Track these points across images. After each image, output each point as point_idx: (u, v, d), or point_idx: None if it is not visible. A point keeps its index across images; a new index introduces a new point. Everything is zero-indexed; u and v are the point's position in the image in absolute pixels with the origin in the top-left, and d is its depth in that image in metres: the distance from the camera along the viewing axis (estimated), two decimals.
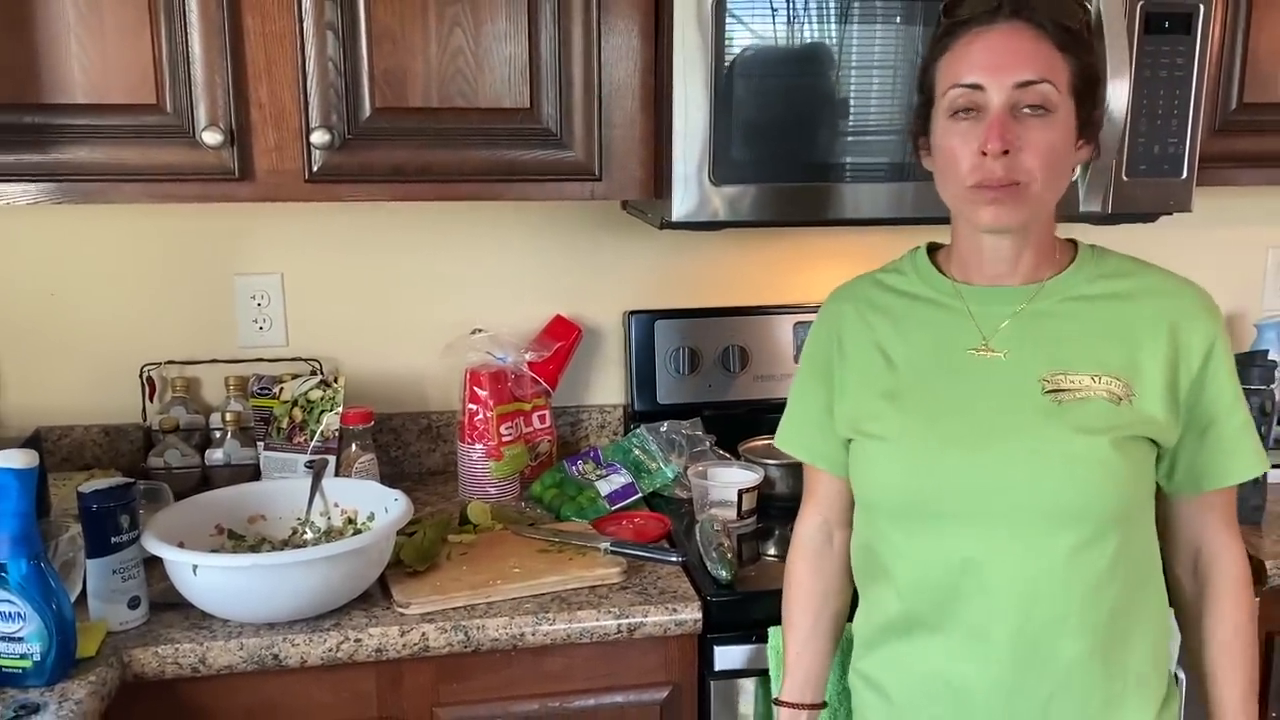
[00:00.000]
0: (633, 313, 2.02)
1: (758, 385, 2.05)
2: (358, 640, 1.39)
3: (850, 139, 1.63)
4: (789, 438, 1.39)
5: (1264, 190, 2.16)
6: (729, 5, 1.55)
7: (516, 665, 1.47)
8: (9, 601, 1.24)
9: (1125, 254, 1.26)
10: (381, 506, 1.56)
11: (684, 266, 2.07)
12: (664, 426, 1.91)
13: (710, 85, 1.57)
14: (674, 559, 1.59)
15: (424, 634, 1.41)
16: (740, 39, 1.57)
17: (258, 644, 1.37)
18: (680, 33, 1.55)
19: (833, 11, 1.58)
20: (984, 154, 1.12)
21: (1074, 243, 1.27)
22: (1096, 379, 1.16)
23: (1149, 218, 1.76)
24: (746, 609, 1.50)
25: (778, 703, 1.38)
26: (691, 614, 1.47)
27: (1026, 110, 1.12)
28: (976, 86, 1.13)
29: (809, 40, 1.60)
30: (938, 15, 1.19)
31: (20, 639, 1.25)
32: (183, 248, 1.93)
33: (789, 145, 1.61)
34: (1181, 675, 1.44)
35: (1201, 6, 1.66)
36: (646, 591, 1.51)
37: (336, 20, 1.56)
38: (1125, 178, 1.69)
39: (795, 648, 1.37)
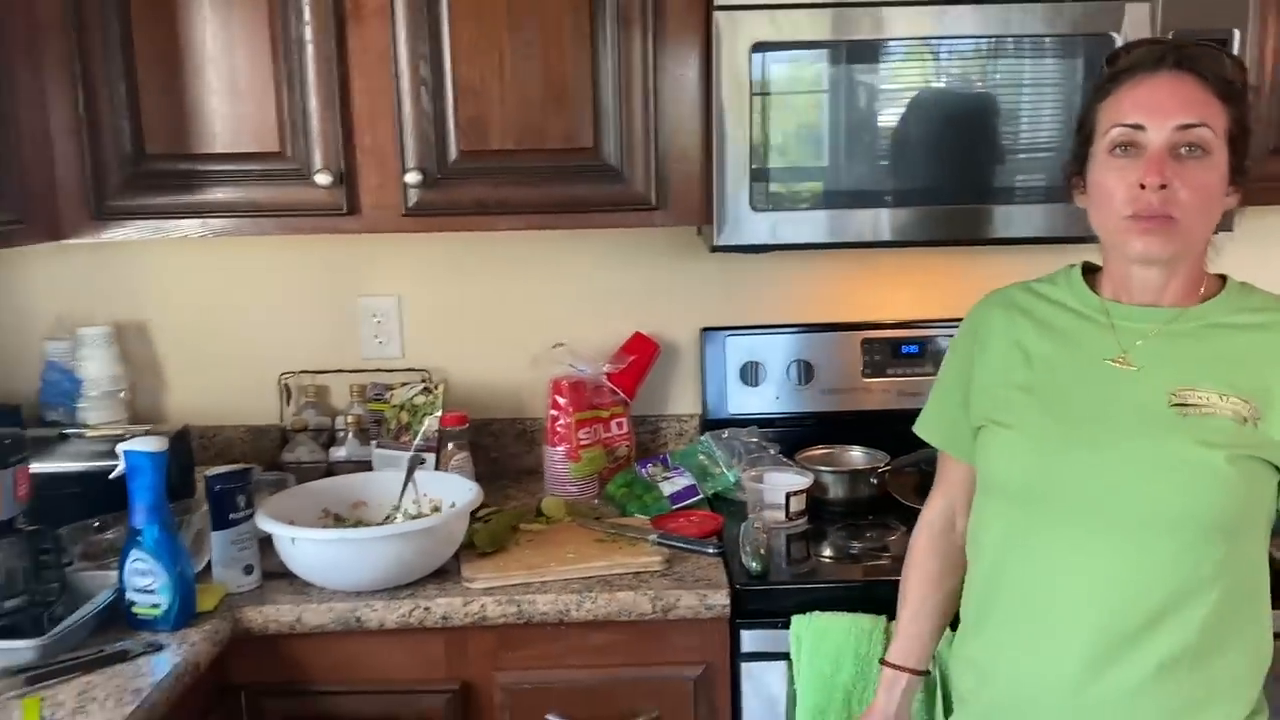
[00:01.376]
0: (706, 329, 2.20)
1: (824, 398, 2.18)
2: (426, 608, 1.62)
3: (880, 168, 1.77)
4: (926, 426, 1.49)
5: None
6: (766, 51, 1.72)
7: (566, 638, 1.66)
8: (143, 560, 1.53)
9: (1273, 293, 1.33)
10: (461, 497, 1.79)
11: (755, 287, 2.23)
12: (726, 434, 2.07)
13: (748, 123, 1.74)
14: (710, 551, 1.76)
15: (483, 605, 1.63)
16: (776, 79, 1.73)
17: (344, 608, 1.62)
18: (722, 77, 1.73)
19: (858, 53, 1.73)
20: (1142, 187, 1.21)
21: (1224, 278, 1.34)
22: (1224, 398, 1.21)
23: None
24: (773, 599, 1.65)
25: (884, 663, 1.48)
26: (720, 600, 1.63)
27: (1184, 151, 1.22)
28: (1138, 126, 1.23)
29: (839, 81, 1.74)
30: (1101, 63, 1.31)
31: (152, 591, 1.54)
32: (316, 274, 2.23)
33: (821, 175, 1.76)
34: None
35: (1237, 31, 1.71)
36: (684, 579, 1.68)
37: (428, 78, 1.81)
38: None
39: (907, 616, 1.47)
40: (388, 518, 1.84)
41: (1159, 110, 1.21)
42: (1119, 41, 1.70)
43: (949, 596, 1.46)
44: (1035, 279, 1.42)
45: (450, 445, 2.05)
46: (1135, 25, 1.70)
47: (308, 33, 1.79)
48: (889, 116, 1.77)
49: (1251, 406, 1.20)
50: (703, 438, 2.09)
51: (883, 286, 2.20)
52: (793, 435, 2.12)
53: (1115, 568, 1.22)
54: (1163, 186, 1.20)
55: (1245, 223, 1.78)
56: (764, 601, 1.65)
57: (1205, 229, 1.26)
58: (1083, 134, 1.30)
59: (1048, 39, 1.71)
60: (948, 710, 1.48)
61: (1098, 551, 1.23)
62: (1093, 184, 1.28)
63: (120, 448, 1.53)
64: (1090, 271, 1.38)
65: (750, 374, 2.18)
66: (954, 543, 1.46)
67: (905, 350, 2.16)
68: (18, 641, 1.43)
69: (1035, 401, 1.30)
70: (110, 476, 1.57)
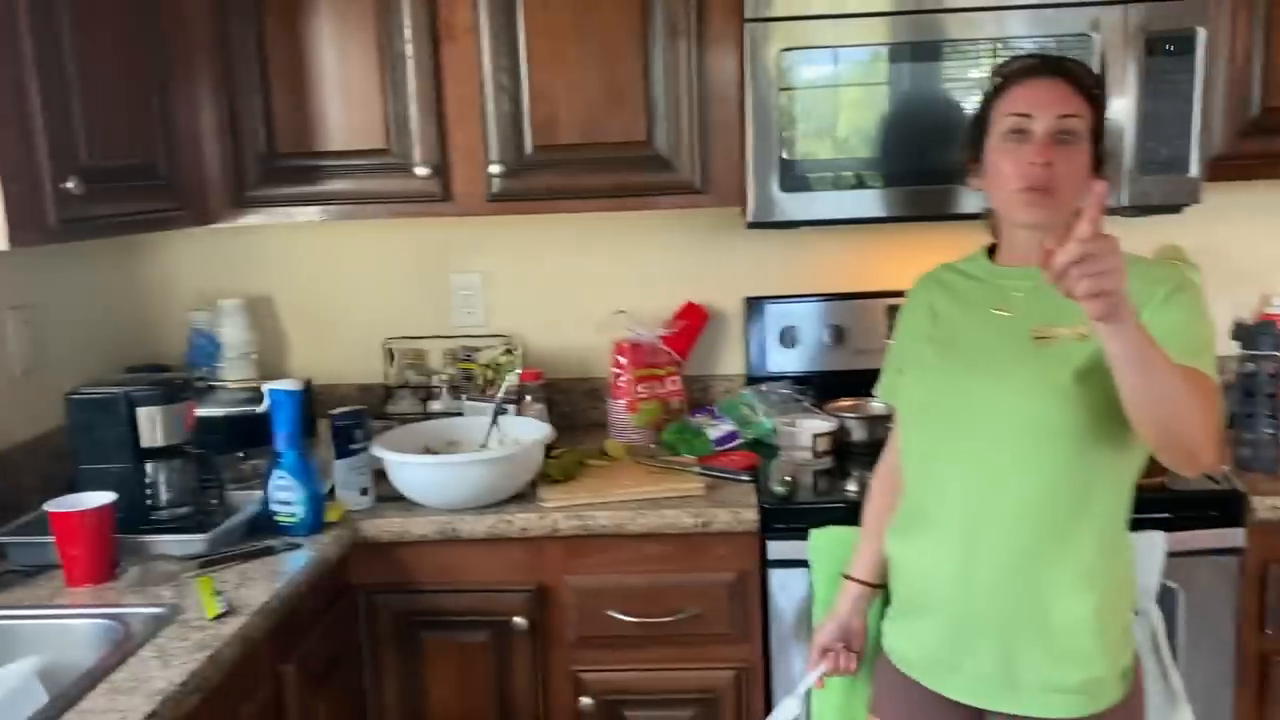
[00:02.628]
0: (749, 299, 2.51)
1: (854, 358, 2.48)
2: (509, 521, 1.97)
3: (892, 153, 2.06)
4: (881, 389, 1.82)
5: None
6: (791, 56, 2.03)
7: (623, 548, 2.00)
8: (284, 478, 1.90)
9: (1128, 252, 1.59)
10: (536, 434, 2.13)
11: (792, 261, 2.54)
12: (764, 387, 2.39)
13: (776, 116, 2.05)
14: (744, 479, 2.08)
15: (555, 520, 1.97)
16: (800, 79, 2.04)
17: (442, 521, 1.98)
18: (754, 78, 2.05)
19: (874, 55, 2.03)
20: (1031, 165, 1.51)
21: None
22: (1071, 329, 1.50)
23: (1166, 210, 2.06)
24: (794, 516, 1.96)
25: (846, 577, 1.79)
26: (751, 516, 1.96)
27: (1062, 137, 1.52)
28: (1027, 115, 1.52)
29: (854, 78, 2.05)
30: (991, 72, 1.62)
31: (290, 503, 1.91)
32: (414, 254, 2.60)
33: (840, 160, 2.07)
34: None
35: (1201, 30, 1.97)
36: (721, 501, 2.01)
37: (508, 85, 2.16)
38: (1136, 177, 2.02)
39: (863, 540, 1.79)
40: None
41: (1043, 103, 1.51)
42: (1096, 42, 1.98)
43: None
44: (958, 259, 1.71)
45: (528, 397, 2.39)
46: (1110, 26, 1.97)
47: (408, 49, 2.15)
48: (898, 108, 2.06)
49: (1090, 325, 1.36)
50: (744, 391, 2.42)
51: (903, 259, 2.45)
52: (825, 390, 2.43)
53: (986, 468, 1.52)
54: (1048, 164, 1.49)
55: (1210, 197, 2.04)
56: (787, 518, 1.97)
57: (1075, 201, 1.51)
58: (978, 128, 1.60)
59: (1031, 39, 1.99)
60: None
61: (974, 456, 1.53)
62: (989, 166, 1.57)
63: (265, 386, 1.92)
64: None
65: (788, 337, 2.49)
66: (897, 481, 1.73)
67: None
68: (193, 536, 1.82)
69: (934, 347, 1.63)
70: (258, 410, 1.95)
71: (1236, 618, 1.93)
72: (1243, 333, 2.03)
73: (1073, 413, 1.47)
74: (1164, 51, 1.98)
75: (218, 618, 1.57)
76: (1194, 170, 2.02)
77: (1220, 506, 1.91)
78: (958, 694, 1.57)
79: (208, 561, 1.78)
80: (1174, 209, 2.08)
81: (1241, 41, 2.07)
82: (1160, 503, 1.88)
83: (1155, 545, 1.82)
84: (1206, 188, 2.06)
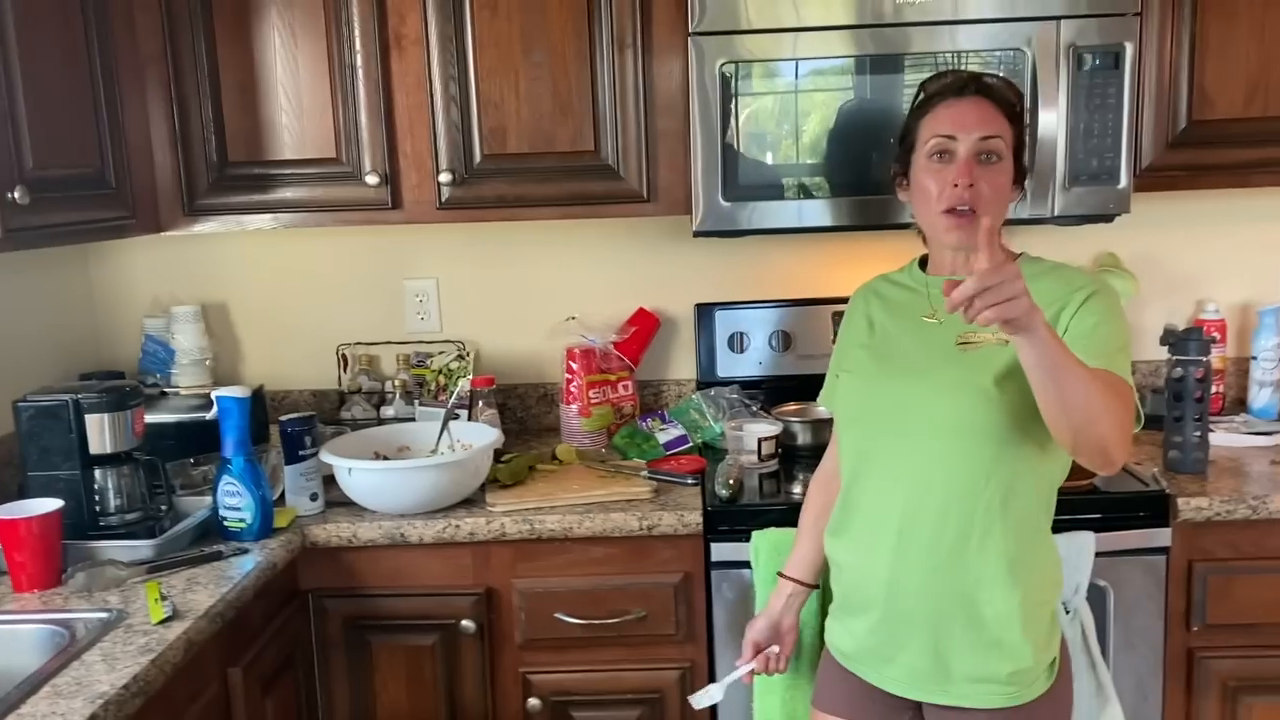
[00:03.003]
0: (699, 305, 2.56)
1: (802, 363, 2.53)
2: (456, 526, 2.00)
3: (829, 165, 2.12)
4: (823, 398, 1.86)
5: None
6: (733, 70, 2.07)
7: (571, 552, 2.03)
8: (232, 483, 1.93)
9: (1050, 260, 1.66)
10: (486, 439, 2.17)
11: (741, 268, 2.58)
12: (714, 392, 2.43)
13: (720, 129, 2.09)
14: (689, 482, 2.12)
15: (501, 524, 2.01)
16: (741, 92, 2.09)
17: (390, 526, 2.01)
18: (697, 90, 2.09)
19: (814, 68, 2.08)
20: (954, 186, 1.57)
21: (1021, 254, 1.67)
22: (994, 334, 1.51)
23: (1096, 219, 2.13)
24: (737, 518, 2.01)
25: (781, 576, 1.84)
26: (695, 519, 2.00)
27: (984, 158, 1.58)
28: (951, 137, 1.59)
29: (792, 92, 2.10)
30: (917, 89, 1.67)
31: (239, 509, 1.93)
32: (368, 260, 2.62)
33: (780, 171, 2.12)
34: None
35: (1128, 45, 2.03)
36: (666, 504, 2.05)
37: (457, 95, 2.19)
38: (1067, 187, 2.08)
39: (798, 540, 1.84)
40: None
41: (966, 124, 1.57)
42: (1028, 56, 2.04)
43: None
44: (893, 270, 1.77)
45: (480, 403, 2.42)
46: (1042, 42, 2.03)
47: (358, 60, 2.18)
48: (839, 120, 2.11)
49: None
50: (694, 395, 2.46)
51: (849, 266, 2.52)
52: (774, 394, 2.47)
53: (914, 468, 1.57)
54: (971, 185, 1.55)
55: (1144, 207, 2.11)
56: (730, 521, 2.01)
57: (999, 218, 1.59)
58: (905, 144, 1.65)
59: (966, 54, 2.04)
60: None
61: (903, 457, 1.58)
62: (915, 184, 1.63)
63: (214, 393, 1.94)
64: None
65: (737, 343, 2.54)
66: (836, 484, 1.78)
67: None
68: (140, 541, 1.84)
69: (869, 354, 1.68)
70: (207, 417, 1.97)
71: (1164, 615, 1.99)
72: (1172, 339, 2.10)
73: (995, 413, 1.52)
74: (1093, 66, 2.04)
75: (162, 622, 1.59)
76: (1124, 181, 2.08)
77: (1148, 507, 1.97)
78: (894, 686, 1.62)
79: (155, 567, 1.80)
80: (1106, 218, 2.14)
81: (1170, 57, 2.14)
82: (1090, 504, 1.95)
83: (1085, 545, 1.88)
84: (1140, 198, 2.13)
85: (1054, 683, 1.59)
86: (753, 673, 1.82)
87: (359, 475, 2.02)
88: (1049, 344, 1.33)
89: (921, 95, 1.66)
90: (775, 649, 1.82)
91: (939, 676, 1.58)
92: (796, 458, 2.29)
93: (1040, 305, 1.33)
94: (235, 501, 1.93)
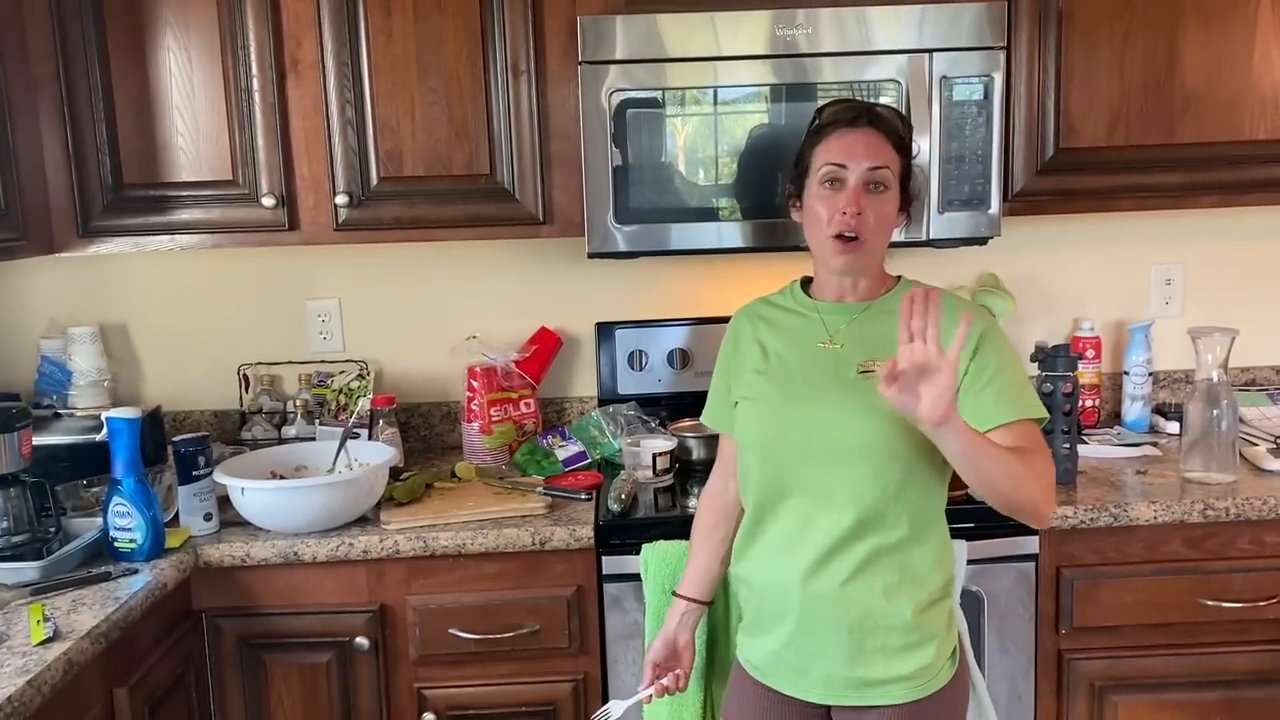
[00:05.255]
0: (600, 324, 2.61)
1: (699, 380, 2.59)
2: (350, 544, 2.03)
3: (717, 189, 2.19)
4: (707, 416, 1.92)
5: (1151, 216, 2.57)
6: (624, 96, 2.14)
7: (465, 568, 2.07)
8: (122, 504, 1.93)
9: (925, 284, 1.72)
10: (378, 460, 2.19)
11: (639, 288, 2.65)
12: (611, 409, 2.49)
13: (610, 154, 2.16)
14: (583, 497, 2.17)
15: (395, 542, 2.03)
16: (630, 118, 2.15)
17: (284, 545, 2.02)
18: (588, 116, 2.15)
19: (694, 97, 2.15)
20: (844, 213, 1.65)
21: (900, 277, 1.77)
22: (892, 360, 1.58)
23: (970, 242, 2.23)
24: (628, 532, 2.06)
25: (675, 595, 1.89)
26: (586, 533, 2.04)
27: (872, 188, 1.65)
28: (842, 166, 1.66)
29: (679, 119, 2.17)
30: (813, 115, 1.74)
31: (129, 530, 1.94)
32: (270, 281, 2.64)
33: (669, 195, 2.19)
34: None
35: (996, 76, 2.14)
36: (559, 519, 2.09)
37: (353, 119, 2.23)
38: (941, 212, 2.18)
39: (690, 559, 1.89)
40: None
41: (857, 154, 1.65)
42: (903, 87, 2.13)
43: (721, 542, 1.86)
44: (771, 294, 1.84)
45: (381, 422, 2.45)
46: (914, 73, 2.13)
47: (255, 84, 2.21)
48: (721, 147, 2.18)
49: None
50: (593, 413, 2.51)
51: (744, 286, 2.58)
52: (675, 410, 2.54)
53: (821, 487, 1.64)
54: (859, 213, 1.63)
55: (1019, 230, 2.21)
56: (622, 534, 2.06)
57: (884, 244, 1.69)
58: (800, 168, 1.73)
59: (843, 84, 2.13)
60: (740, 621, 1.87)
61: (810, 478, 1.65)
62: (807, 208, 1.71)
63: (104, 414, 1.95)
64: (809, 283, 1.81)
65: (637, 360, 2.60)
66: (726, 500, 1.85)
67: None
68: (26, 564, 1.83)
69: (767, 380, 1.73)
70: (97, 438, 1.97)
71: (1035, 619, 2.08)
72: (1041, 355, 2.20)
73: (896, 434, 1.60)
74: (963, 97, 2.14)
75: (43, 643, 1.59)
76: (995, 206, 2.19)
77: None
78: (810, 695, 1.68)
79: (41, 589, 1.80)
80: (979, 241, 2.24)
81: (1038, 88, 2.25)
82: (963, 513, 2.03)
83: (958, 553, 1.97)
84: (1015, 221, 2.24)
85: (956, 669, 1.68)
86: (652, 696, 1.85)
87: (252, 495, 2.03)
88: (965, 434, 1.44)
89: (817, 121, 1.73)
90: (679, 671, 1.86)
91: (854, 681, 1.64)
92: (692, 472, 2.36)
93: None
94: (125, 522, 1.94)
